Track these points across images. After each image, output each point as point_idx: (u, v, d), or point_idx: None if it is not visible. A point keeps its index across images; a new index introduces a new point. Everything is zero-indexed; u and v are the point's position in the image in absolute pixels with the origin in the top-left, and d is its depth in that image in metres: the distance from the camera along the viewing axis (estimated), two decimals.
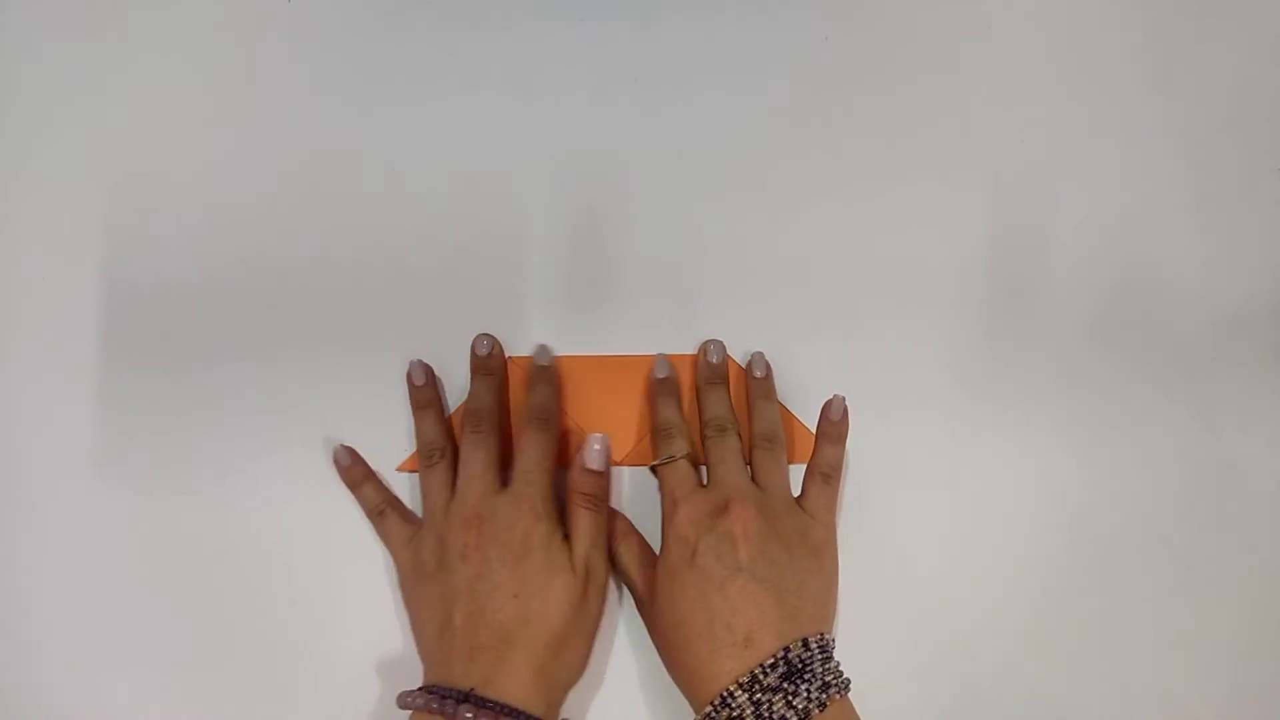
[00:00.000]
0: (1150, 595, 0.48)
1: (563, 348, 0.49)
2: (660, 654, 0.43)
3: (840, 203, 0.50)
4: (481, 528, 0.42)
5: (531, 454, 0.44)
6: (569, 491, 0.44)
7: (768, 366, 0.48)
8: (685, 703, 0.41)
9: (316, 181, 0.50)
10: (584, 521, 0.44)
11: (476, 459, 0.44)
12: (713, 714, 0.39)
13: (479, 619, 0.40)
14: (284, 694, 0.46)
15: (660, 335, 0.49)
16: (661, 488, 0.45)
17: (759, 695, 0.38)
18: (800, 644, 0.40)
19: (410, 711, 0.40)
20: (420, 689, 0.40)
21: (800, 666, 0.39)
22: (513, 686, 0.39)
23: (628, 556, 0.45)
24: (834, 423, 0.46)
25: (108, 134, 0.50)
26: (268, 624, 0.47)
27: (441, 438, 0.46)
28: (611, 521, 0.46)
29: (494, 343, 0.48)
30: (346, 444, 0.47)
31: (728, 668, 0.39)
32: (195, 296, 0.49)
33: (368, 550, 0.47)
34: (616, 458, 0.48)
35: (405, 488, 0.48)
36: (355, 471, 0.47)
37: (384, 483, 0.47)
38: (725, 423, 0.46)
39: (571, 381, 0.48)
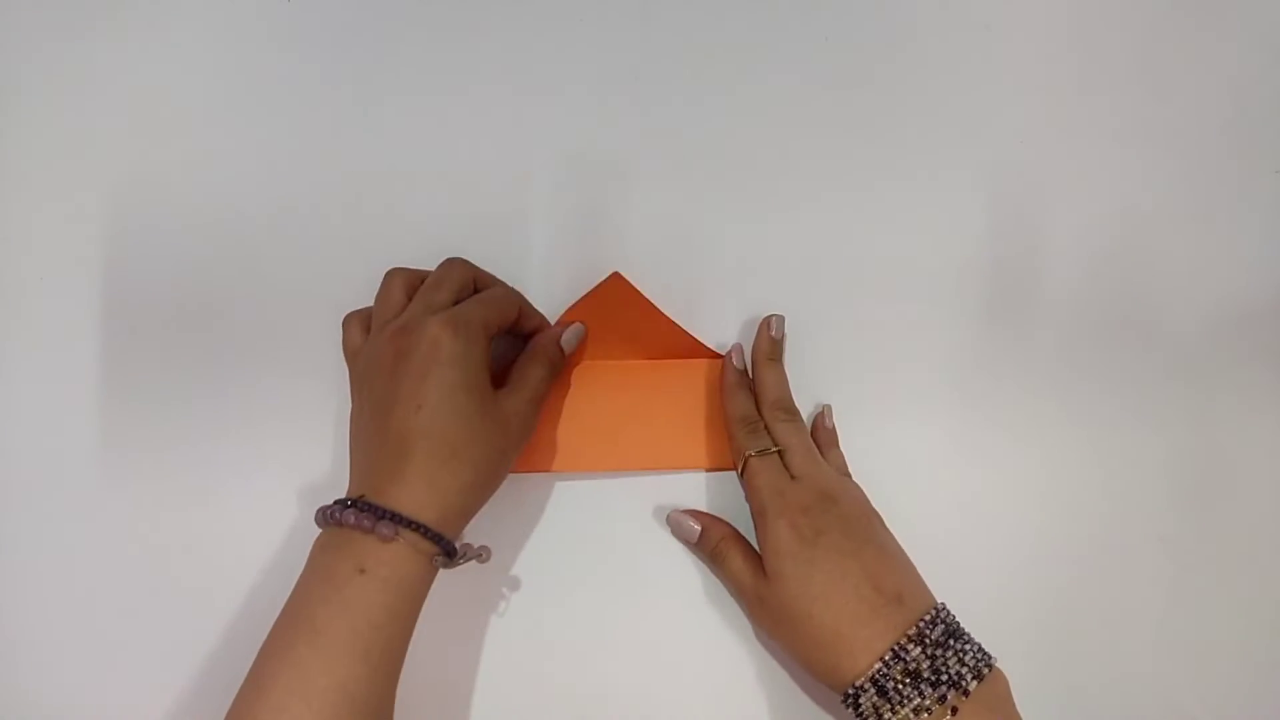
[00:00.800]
0: (1147, 595, 0.49)
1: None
2: (793, 644, 0.42)
3: (840, 202, 0.50)
4: (405, 338, 0.40)
5: (478, 301, 0.43)
6: (529, 347, 0.45)
7: (782, 329, 0.48)
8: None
9: (316, 181, 0.50)
10: (537, 373, 0.44)
11: (440, 279, 0.43)
12: (884, 670, 0.38)
13: (384, 430, 0.39)
14: None
15: None
16: (756, 479, 0.44)
17: (930, 650, 0.38)
18: (944, 606, 0.41)
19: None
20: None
21: (956, 626, 0.40)
22: (403, 495, 0.38)
23: (737, 561, 0.44)
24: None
25: (107, 134, 0.50)
26: (263, 621, 0.47)
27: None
28: (717, 526, 0.46)
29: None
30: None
31: (891, 623, 0.39)
32: (194, 296, 0.49)
33: None
34: (646, 463, 0.48)
35: None
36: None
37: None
38: (791, 405, 0.47)
39: (601, 387, 0.48)
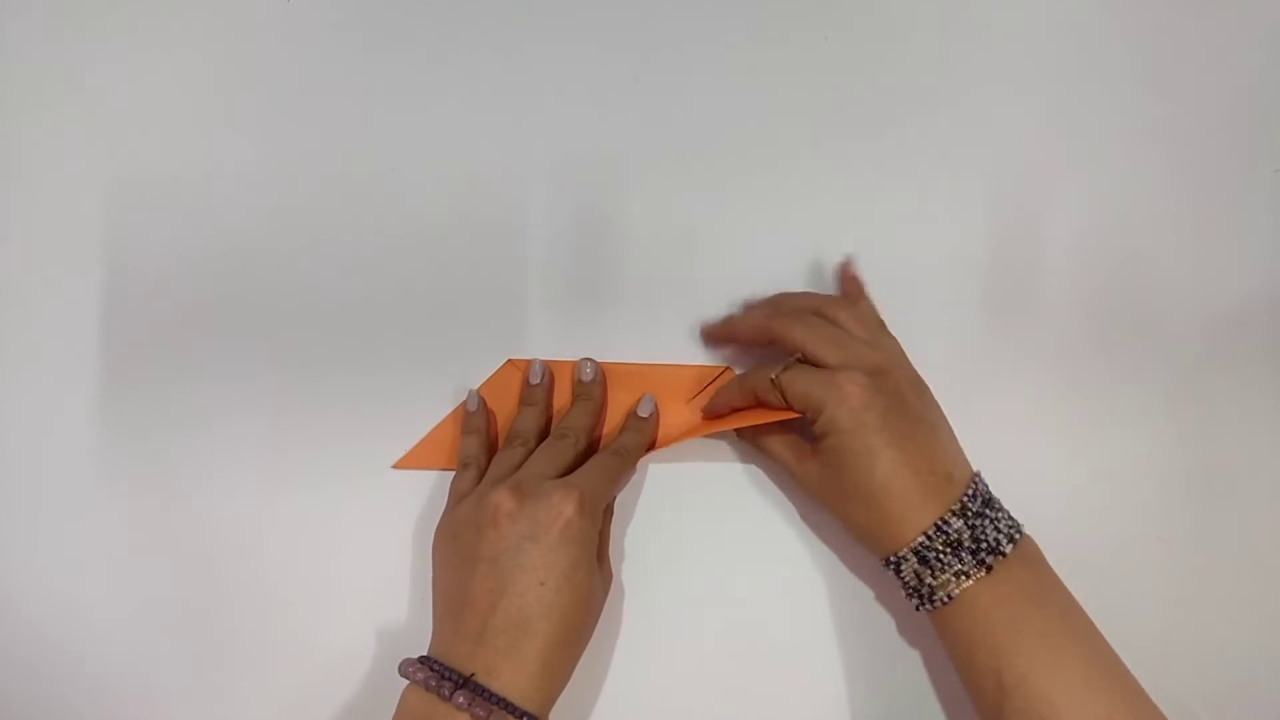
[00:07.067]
0: (1148, 595, 0.49)
1: (562, 349, 0.49)
2: (843, 512, 0.42)
3: (840, 202, 0.50)
4: (522, 497, 0.40)
5: (604, 472, 0.43)
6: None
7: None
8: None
9: (316, 181, 0.50)
10: (606, 527, 0.45)
11: (564, 433, 0.44)
12: (926, 542, 0.39)
13: (498, 597, 0.39)
14: (281, 692, 0.46)
15: (660, 335, 0.49)
16: (793, 392, 0.42)
17: (971, 520, 0.39)
18: (979, 474, 0.42)
19: (407, 682, 0.39)
20: (421, 659, 0.39)
21: (989, 495, 0.41)
22: (517, 679, 0.38)
23: (776, 445, 0.45)
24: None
25: (107, 135, 0.50)
26: (264, 624, 0.47)
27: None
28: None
29: (599, 369, 0.48)
30: (478, 391, 0.48)
31: (940, 501, 0.40)
32: (193, 297, 0.49)
33: (364, 550, 0.47)
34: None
35: (401, 487, 0.48)
36: (472, 420, 0.47)
37: (489, 443, 0.47)
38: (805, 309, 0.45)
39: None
